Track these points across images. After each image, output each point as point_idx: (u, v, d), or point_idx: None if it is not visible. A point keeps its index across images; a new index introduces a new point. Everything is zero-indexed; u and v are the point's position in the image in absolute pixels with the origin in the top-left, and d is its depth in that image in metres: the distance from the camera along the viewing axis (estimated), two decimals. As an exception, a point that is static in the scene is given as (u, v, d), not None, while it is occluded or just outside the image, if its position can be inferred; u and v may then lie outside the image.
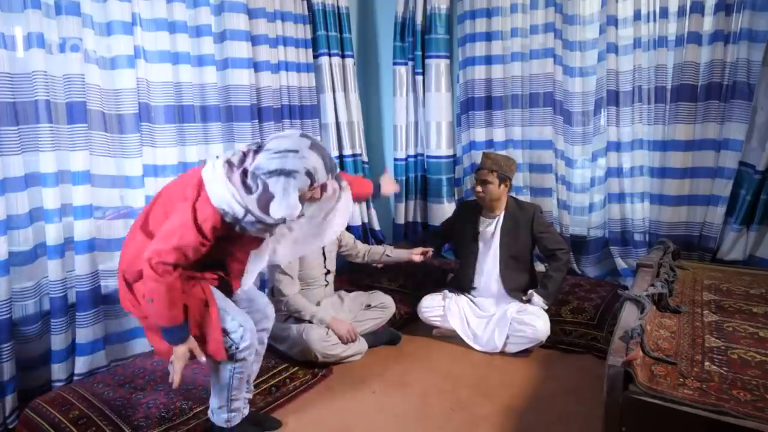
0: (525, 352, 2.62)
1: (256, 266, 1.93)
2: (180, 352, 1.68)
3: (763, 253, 2.73)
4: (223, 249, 1.78)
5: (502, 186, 2.66)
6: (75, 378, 2.27)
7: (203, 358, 1.73)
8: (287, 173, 1.63)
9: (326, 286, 2.69)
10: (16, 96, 2.04)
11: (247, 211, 1.64)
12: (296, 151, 1.66)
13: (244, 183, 1.66)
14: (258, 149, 1.72)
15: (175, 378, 1.70)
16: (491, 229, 2.73)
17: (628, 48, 2.91)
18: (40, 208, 2.15)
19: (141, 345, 2.55)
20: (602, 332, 2.61)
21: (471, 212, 2.81)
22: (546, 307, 2.62)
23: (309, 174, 1.67)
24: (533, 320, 2.55)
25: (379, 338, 2.74)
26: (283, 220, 1.71)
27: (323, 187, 1.82)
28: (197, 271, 1.77)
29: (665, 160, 2.91)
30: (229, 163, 1.70)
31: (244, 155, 1.73)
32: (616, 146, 3.03)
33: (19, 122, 2.05)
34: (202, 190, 1.67)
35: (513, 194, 2.94)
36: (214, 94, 2.75)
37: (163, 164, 2.55)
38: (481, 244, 2.76)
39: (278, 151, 1.66)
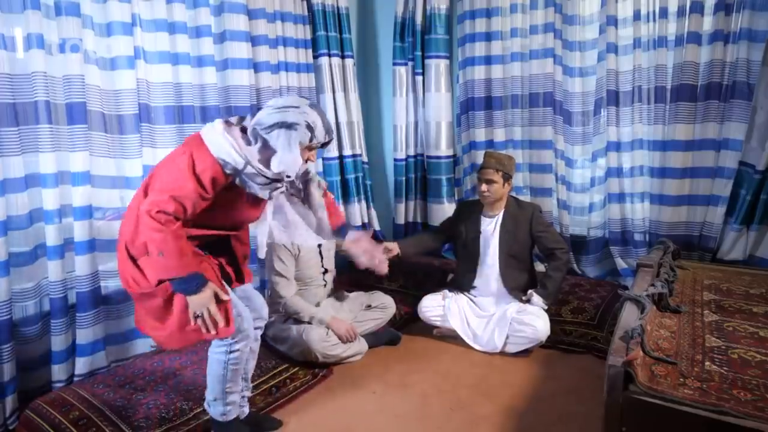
0: (525, 353, 2.62)
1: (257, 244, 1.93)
2: (206, 296, 1.63)
3: (763, 253, 2.73)
4: (224, 215, 1.76)
5: (506, 185, 2.68)
6: (75, 379, 2.27)
7: (227, 297, 1.70)
8: (288, 125, 1.65)
9: (324, 285, 2.68)
10: (16, 97, 2.04)
11: (247, 161, 1.64)
12: (297, 107, 1.69)
13: (243, 138, 1.68)
14: (254, 116, 1.75)
15: (220, 320, 1.65)
16: (491, 228, 2.74)
17: (628, 48, 2.91)
18: (39, 209, 2.15)
19: (141, 345, 2.55)
20: (602, 332, 2.61)
21: (472, 212, 2.81)
22: (546, 307, 2.62)
23: (309, 127, 1.68)
24: (533, 320, 2.55)
25: (379, 339, 2.74)
26: (285, 177, 1.73)
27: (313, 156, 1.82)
28: (202, 249, 1.77)
29: (665, 160, 2.91)
30: (227, 122, 1.72)
31: (242, 118, 1.77)
32: (616, 146, 3.03)
33: (19, 123, 2.05)
34: (201, 144, 1.65)
35: (513, 194, 2.94)
36: (214, 94, 2.75)
37: (163, 165, 2.54)
38: (481, 243, 2.76)
39: (278, 107, 1.69)
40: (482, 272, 2.78)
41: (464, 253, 2.84)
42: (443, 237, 2.99)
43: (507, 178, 2.66)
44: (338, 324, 2.50)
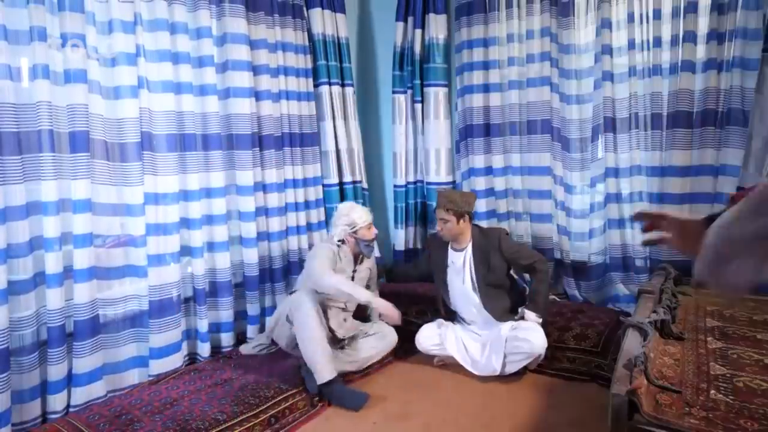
0: (524, 370, 2.60)
1: None
2: None
3: (766, 279, 2.71)
4: None
5: (461, 221, 2.68)
6: (71, 410, 2.24)
7: None
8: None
9: (344, 310, 2.66)
10: (20, 126, 2.06)
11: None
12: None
13: None
14: None
15: None
16: (460, 261, 2.75)
17: (624, 76, 2.96)
18: (40, 237, 2.15)
19: (139, 375, 2.52)
20: (606, 360, 2.58)
21: (439, 246, 2.83)
22: (540, 320, 2.60)
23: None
24: (528, 334, 2.54)
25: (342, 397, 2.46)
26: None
27: None
28: None
29: (663, 185, 2.92)
30: None
31: None
32: (615, 172, 3.05)
33: (22, 152, 2.07)
34: None
35: (482, 222, 2.97)
36: (216, 122, 2.78)
37: (164, 192, 2.56)
38: (452, 276, 2.77)
39: None
40: (459, 303, 2.79)
41: (438, 285, 2.86)
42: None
43: (460, 215, 2.67)
44: (382, 303, 2.52)
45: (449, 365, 2.75)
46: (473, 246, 2.72)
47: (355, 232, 2.66)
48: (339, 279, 2.50)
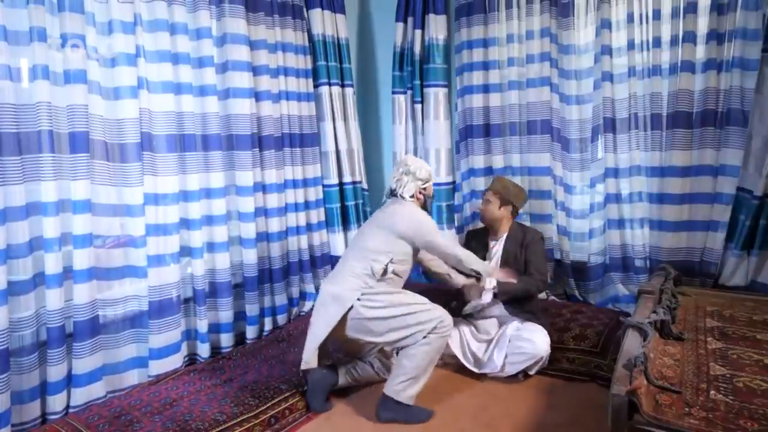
0: (526, 376, 2.60)
1: None
2: None
3: (765, 279, 2.71)
4: None
5: (502, 209, 2.76)
6: (71, 410, 2.23)
7: None
8: None
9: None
10: (20, 126, 2.06)
11: None
12: None
13: None
14: None
15: None
16: (494, 249, 2.80)
17: (623, 76, 2.96)
18: (39, 237, 2.15)
19: (138, 376, 2.52)
20: (605, 360, 2.58)
21: (480, 237, 2.89)
22: (492, 286, 2.54)
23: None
24: (531, 335, 2.55)
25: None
26: None
27: None
28: None
29: (663, 186, 2.92)
30: None
31: None
32: (614, 172, 3.05)
33: (22, 152, 2.06)
34: None
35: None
36: (216, 123, 2.78)
37: (164, 192, 2.56)
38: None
39: None
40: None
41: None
42: None
43: (504, 202, 2.75)
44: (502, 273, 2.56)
45: (449, 365, 2.75)
46: (508, 237, 2.78)
47: (424, 189, 2.53)
48: (467, 252, 2.49)
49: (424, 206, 2.56)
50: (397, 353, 2.43)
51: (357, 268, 2.34)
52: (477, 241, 2.88)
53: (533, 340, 2.53)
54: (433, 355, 2.29)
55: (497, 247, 2.78)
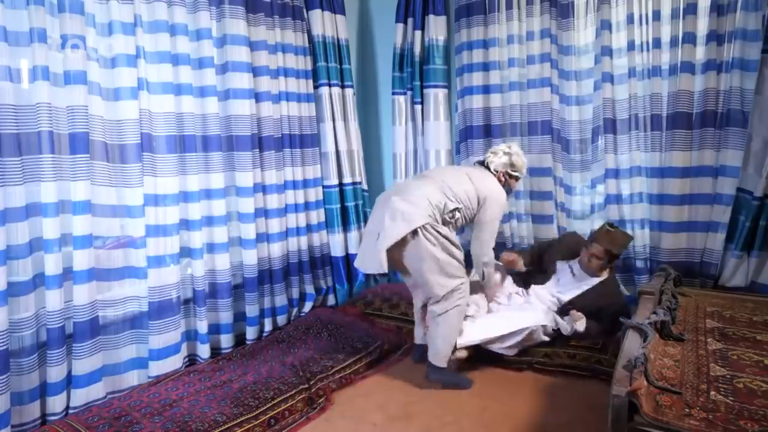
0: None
1: None
2: None
3: (765, 279, 2.71)
4: None
5: (609, 265, 2.80)
6: (70, 411, 2.23)
7: None
8: None
9: None
10: (20, 127, 2.06)
11: None
12: None
13: None
14: None
15: None
16: (580, 279, 2.83)
17: (623, 77, 2.96)
18: (39, 238, 2.15)
19: (139, 376, 2.52)
20: (606, 355, 2.59)
21: (572, 254, 2.90)
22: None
23: None
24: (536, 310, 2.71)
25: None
26: None
27: None
28: None
29: (663, 186, 2.92)
30: None
31: None
32: (615, 173, 3.05)
33: (22, 153, 2.07)
34: None
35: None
36: (216, 124, 2.79)
37: (164, 193, 2.56)
38: (561, 275, 2.88)
39: None
40: (538, 290, 2.90)
41: (547, 267, 2.96)
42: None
43: (613, 258, 2.76)
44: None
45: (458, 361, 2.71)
46: (604, 282, 2.80)
47: (510, 176, 2.65)
48: (492, 257, 2.62)
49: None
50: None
51: (434, 197, 2.42)
52: (568, 253, 2.90)
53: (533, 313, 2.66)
54: (458, 321, 2.47)
55: (586, 283, 2.79)
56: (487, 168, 2.65)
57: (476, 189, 2.51)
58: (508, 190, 2.70)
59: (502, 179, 2.64)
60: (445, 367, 2.50)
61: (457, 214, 2.48)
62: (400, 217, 2.35)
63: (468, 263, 2.65)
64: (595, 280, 2.81)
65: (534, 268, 3.00)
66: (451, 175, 2.56)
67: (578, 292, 2.80)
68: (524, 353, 2.68)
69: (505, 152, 2.64)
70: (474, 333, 2.58)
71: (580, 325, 2.62)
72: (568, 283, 2.86)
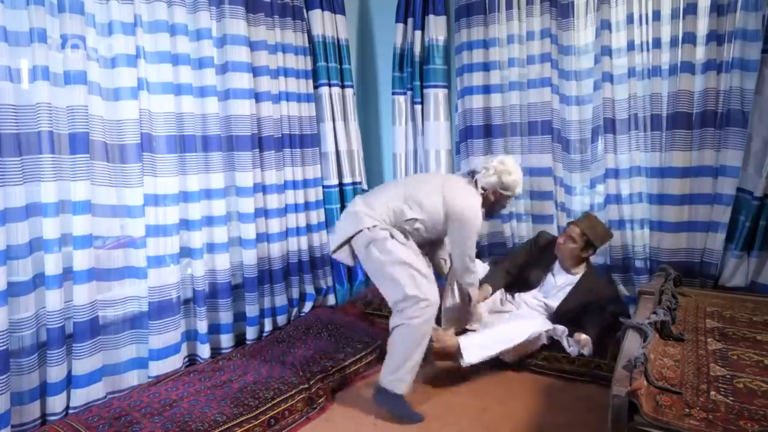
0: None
1: None
2: None
3: (765, 279, 2.71)
4: None
5: (584, 252, 2.80)
6: (70, 411, 2.23)
7: None
8: None
9: None
10: (20, 127, 2.06)
11: None
12: None
13: None
14: None
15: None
16: (563, 283, 2.84)
17: (623, 77, 2.96)
18: (39, 238, 2.15)
19: (139, 376, 2.52)
20: (605, 359, 2.59)
21: (549, 256, 2.92)
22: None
23: None
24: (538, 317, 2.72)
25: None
26: None
27: None
28: None
29: (663, 186, 2.92)
30: None
31: None
32: (615, 173, 3.05)
33: (22, 153, 2.06)
34: None
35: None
36: (216, 124, 2.78)
37: (164, 193, 2.56)
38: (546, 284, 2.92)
39: None
40: (527, 297, 2.94)
41: (534, 280, 2.97)
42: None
43: (589, 246, 2.78)
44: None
45: (451, 365, 2.72)
46: (582, 277, 2.81)
47: (501, 195, 2.49)
48: (476, 275, 2.59)
49: (489, 210, 2.55)
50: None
51: (392, 203, 2.36)
52: (545, 255, 2.91)
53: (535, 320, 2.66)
54: (411, 340, 2.23)
55: (566, 282, 2.81)
56: (475, 183, 2.50)
57: (445, 204, 2.36)
58: (501, 208, 2.61)
59: (491, 198, 2.49)
60: (401, 394, 2.24)
61: (417, 224, 2.35)
62: (352, 218, 2.33)
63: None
64: (575, 278, 2.82)
65: (532, 261, 3.02)
66: (424, 184, 2.45)
67: (562, 296, 2.82)
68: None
69: (496, 170, 2.47)
70: (486, 348, 2.52)
71: (587, 350, 2.60)
72: (551, 288, 2.88)
